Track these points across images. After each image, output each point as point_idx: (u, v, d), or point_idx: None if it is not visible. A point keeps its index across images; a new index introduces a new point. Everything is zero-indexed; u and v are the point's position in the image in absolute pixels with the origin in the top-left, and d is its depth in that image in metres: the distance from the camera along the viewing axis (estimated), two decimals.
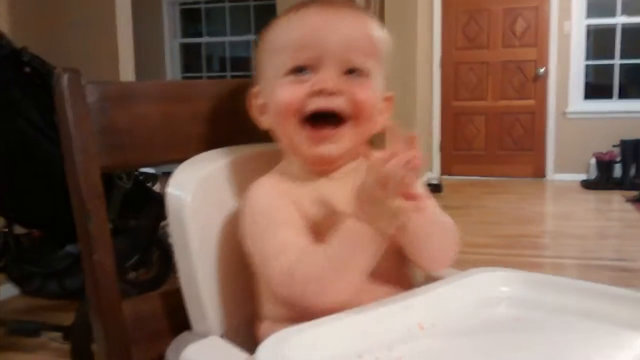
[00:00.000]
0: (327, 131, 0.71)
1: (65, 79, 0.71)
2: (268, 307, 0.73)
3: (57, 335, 2.03)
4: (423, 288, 0.72)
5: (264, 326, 0.73)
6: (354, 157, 0.75)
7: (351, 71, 0.71)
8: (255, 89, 0.78)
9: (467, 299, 0.71)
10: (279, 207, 0.70)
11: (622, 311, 0.67)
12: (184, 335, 0.75)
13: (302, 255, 0.66)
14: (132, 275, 2.61)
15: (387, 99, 0.78)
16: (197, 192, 0.74)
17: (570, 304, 0.70)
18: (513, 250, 3.32)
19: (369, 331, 0.62)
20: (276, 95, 0.72)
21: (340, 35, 0.71)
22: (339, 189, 0.73)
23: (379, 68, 0.74)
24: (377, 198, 0.61)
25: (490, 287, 0.74)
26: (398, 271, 0.75)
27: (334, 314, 0.63)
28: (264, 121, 0.77)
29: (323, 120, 0.71)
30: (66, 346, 1.95)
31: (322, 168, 0.74)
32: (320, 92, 0.70)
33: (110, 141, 0.75)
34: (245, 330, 0.75)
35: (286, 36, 0.73)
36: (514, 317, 0.68)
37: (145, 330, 0.78)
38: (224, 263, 0.75)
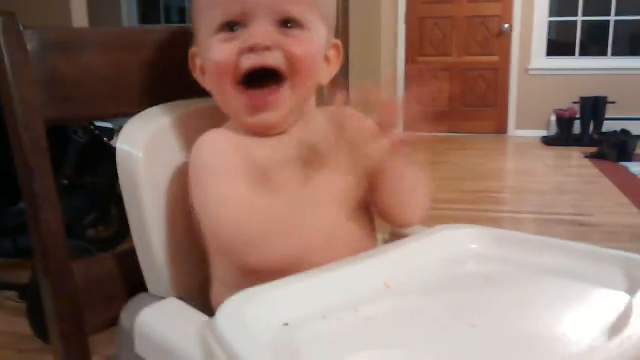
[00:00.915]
0: (264, 97, 0.66)
1: (3, 25, 0.65)
2: (217, 267, 0.69)
3: (13, 294, 1.99)
4: (389, 245, 0.70)
5: (216, 288, 0.70)
6: (299, 115, 0.71)
7: (286, 23, 0.66)
8: (193, 49, 0.73)
9: (434, 256, 0.70)
10: (223, 157, 0.66)
11: (588, 266, 0.67)
12: (140, 297, 0.72)
13: (245, 207, 0.61)
14: (90, 232, 2.56)
15: (335, 47, 0.73)
16: (148, 147, 0.69)
17: (536, 260, 0.69)
18: (475, 205, 3.36)
19: (333, 291, 0.60)
20: (209, 56, 0.67)
21: None
22: (289, 142, 0.69)
23: (319, 17, 0.68)
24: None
25: (457, 244, 0.73)
26: (362, 233, 0.72)
27: (283, 275, 0.60)
28: (206, 82, 0.72)
29: (260, 80, 0.66)
30: (22, 305, 1.90)
31: (265, 134, 0.70)
32: (252, 49, 0.65)
33: (54, 92, 0.69)
34: (202, 291, 0.72)
35: None
36: (481, 274, 0.67)
37: (98, 293, 0.74)
38: (178, 221, 0.71)
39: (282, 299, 0.57)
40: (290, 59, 0.66)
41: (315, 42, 0.68)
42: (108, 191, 2.39)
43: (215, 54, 0.66)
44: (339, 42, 0.74)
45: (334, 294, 0.60)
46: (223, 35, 0.66)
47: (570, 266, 0.67)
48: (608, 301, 0.60)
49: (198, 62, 0.72)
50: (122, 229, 2.58)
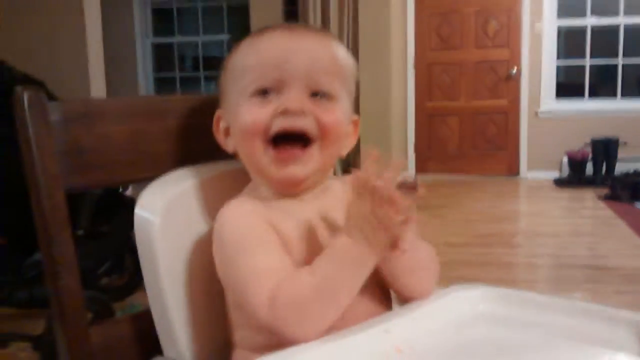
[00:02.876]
0: (293, 151, 0.69)
1: (25, 98, 0.68)
2: (241, 334, 0.70)
3: (26, 345, 1.99)
4: (400, 310, 0.70)
5: (237, 354, 0.71)
6: (322, 179, 0.74)
7: (317, 94, 0.70)
8: (219, 112, 0.76)
9: (445, 319, 0.70)
10: (255, 228, 0.67)
11: (601, 329, 0.66)
12: None
13: (285, 279, 0.63)
14: (104, 281, 2.57)
15: (354, 123, 0.77)
16: (165, 213, 0.71)
17: (548, 321, 0.69)
18: (488, 249, 3.34)
19: (347, 355, 0.61)
20: (240, 117, 0.70)
21: (305, 57, 0.69)
22: (311, 211, 0.71)
23: (345, 91, 0.73)
24: (372, 213, 0.60)
25: (468, 306, 0.73)
26: (378, 287, 0.73)
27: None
28: (229, 144, 0.75)
29: (288, 141, 0.69)
30: (36, 356, 1.90)
31: (290, 190, 0.72)
32: (285, 112, 0.68)
33: (74, 162, 0.72)
34: (219, 356, 0.73)
35: (251, 57, 0.71)
36: (493, 338, 0.67)
37: (113, 356, 0.75)
38: (196, 287, 0.73)
39: None
40: (320, 125, 0.69)
41: (342, 112, 0.72)
42: (122, 241, 2.41)
43: (247, 116, 0.70)
44: (357, 117, 0.78)
45: (350, 358, 0.60)
46: (256, 99, 0.70)
47: (581, 328, 0.67)
48: None
49: (222, 124, 0.75)
50: (135, 279, 2.59)
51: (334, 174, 0.79)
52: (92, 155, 0.74)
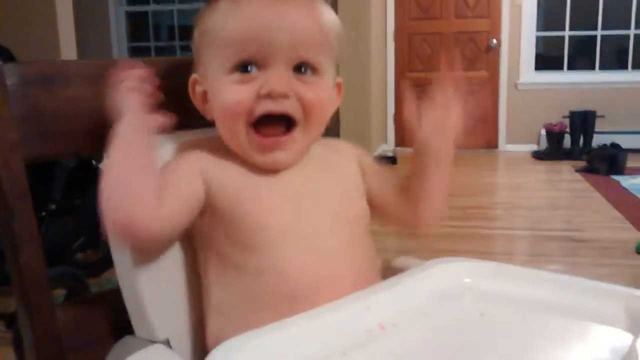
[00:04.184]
0: (277, 138, 0.67)
1: None
2: (215, 298, 0.67)
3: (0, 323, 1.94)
4: (383, 284, 0.68)
5: (211, 325, 0.67)
6: (303, 155, 0.71)
7: (300, 67, 0.67)
8: (195, 76, 0.72)
9: (429, 293, 0.67)
10: (182, 166, 0.68)
11: (589, 303, 0.64)
12: (126, 340, 0.69)
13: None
14: (79, 256, 2.52)
15: (337, 86, 0.74)
16: None
17: (534, 295, 0.67)
18: (467, 222, 3.35)
19: (326, 336, 0.57)
20: (221, 95, 0.67)
21: (289, 28, 0.65)
22: (292, 181, 0.70)
23: (330, 59, 0.70)
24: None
25: (453, 279, 0.70)
26: (364, 258, 0.72)
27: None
28: (207, 112, 0.71)
29: (272, 122, 0.66)
30: (8, 335, 1.86)
31: (273, 171, 0.70)
32: (269, 95, 0.65)
33: (34, 128, 0.67)
34: (193, 335, 0.69)
35: (230, 25, 0.66)
36: (478, 313, 0.65)
37: (83, 335, 0.72)
38: (167, 262, 0.69)
39: (272, 345, 0.55)
40: (304, 106, 0.67)
41: (327, 88, 0.70)
42: (96, 215, 2.36)
43: (229, 95, 0.66)
44: (340, 80, 0.75)
45: (327, 339, 0.57)
46: (237, 76, 0.66)
47: (569, 302, 0.64)
48: (611, 341, 0.58)
49: (199, 89, 0.71)
50: (110, 254, 2.54)
51: None
52: (54, 121, 0.69)
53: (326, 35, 0.69)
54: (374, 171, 0.78)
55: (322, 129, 0.71)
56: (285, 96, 0.65)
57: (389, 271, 0.77)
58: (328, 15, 0.70)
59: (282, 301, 0.63)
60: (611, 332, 0.60)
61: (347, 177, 0.75)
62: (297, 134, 0.67)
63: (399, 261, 0.80)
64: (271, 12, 0.65)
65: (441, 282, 0.69)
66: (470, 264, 0.72)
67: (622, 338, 0.58)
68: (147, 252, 0.67)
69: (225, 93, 0.66)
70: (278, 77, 0.65)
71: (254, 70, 0.66)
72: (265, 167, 0.69)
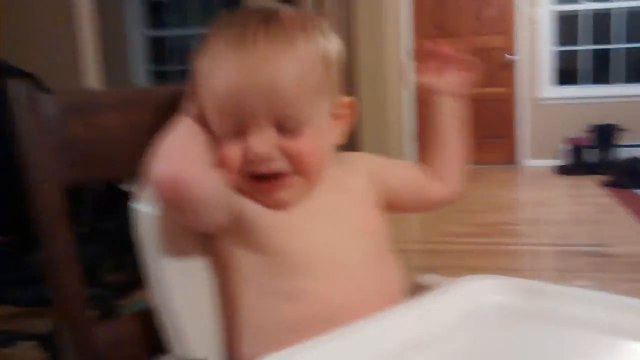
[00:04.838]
0: (273, 182, 0.67)
1: (19, 91, 0.65)
2: (247, 321, 0.69)
3: (34, 344, 1.97)
4: (412, 302, 0.68)
5: (246, 345, 0.69)
6: (308, 191, 0.71)
7: (285, 123, 0.66)
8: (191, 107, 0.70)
9: (458, 311, 0.68)
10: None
11: (615, 318, 0.64)
12: (163, 359, 0.71)
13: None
14: (108, 278, 2.56)
15: (348, 106, 0.74)
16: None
17: (562, 311, 0.67)
18: (491, 239, 3.33)
19: (356, 353, 0.59)
20: (219, 149, 0.68)
21: (261, 92, 0.64)
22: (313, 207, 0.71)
23: (318, 99, 0.68)
24: None
25: (481, 297, 0.71)
26: (389, 278, 0.74)
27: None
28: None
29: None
30: (43, 355, 1.89)
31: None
32: (253, 160, 0.66)
33: (72, 156, 0.69)
34: (228, 353, 0.71)
35: (209, 93, 0.67)
36: (506, 329, 0.65)
37: (119, 355, 0.73)
38: (199, 280, 0.71)
39: None
40: (294, 161, 0.67)
41: (317, 134, 0.68)
42: (125, 237, 2.39)
43: (224, 153, 0.67)
44: (352, 100, 0.74)
45: (359, 355, 0.58)
46: (228, 138, 0.67)
47: (600, 319, 0.65)
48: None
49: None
50: (139, 275, 2.57)
51: None
52: (90, 149, 0.71)
53: (305, 84, 0.66)
54: (391, 166, 0.81)
55: (321, 171, 0.71)
56: (269, 158, 0.66)
57: (415, 289, 0.78)
58: (311, 51, 0.67)
59: (315, 322, 0.64)
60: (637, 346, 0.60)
61: (362, 192, 0.76)
62: (292, 179, 0.68)
63: (426, 279, 0.81)
64: (242, 75, 0.64)
65: (470, 300, 0.70)
66: (499, 281, 0.73)
67: None
68: (181, 269, 0.69)
69: (221, 147, 0.67)
70: (260, 142, 0.65)
71: (244, 132, 0.66)
72: (271, 207, 0.69)
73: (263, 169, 0.66)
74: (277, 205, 0.69)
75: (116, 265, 2.49)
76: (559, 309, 0.67)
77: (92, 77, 3.05)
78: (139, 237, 0.69)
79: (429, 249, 3.13)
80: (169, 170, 0.62)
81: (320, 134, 0.69)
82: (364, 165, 0.78)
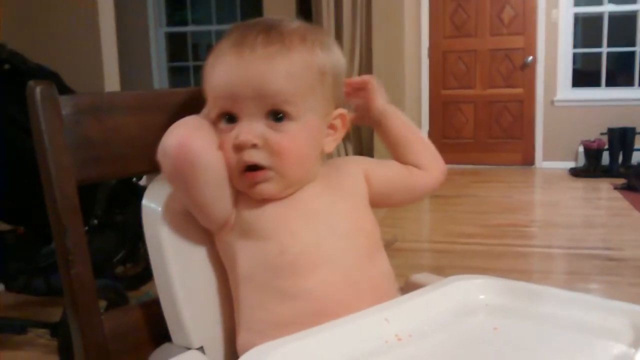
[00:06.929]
0: (257, 174, 0.71)
1: (38, 92, 0.70)
2: (246, 314, 0.73)
3: (45, 331, 2.03)
4: (401, 298, 0.72)
5: (242, 336, 0.73)
6: (303, 182, 0.76)
7: (276, 114, 0.71)
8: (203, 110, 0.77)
9: (445, 308, 0.72)
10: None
11: (596, 319, 0.68)
12: (164, 347, 0.75)
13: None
14: (119, 269, 2.62)
15: (340, 117, 0.78)
16: (172, 204, 0.73)
17: (548, 312, 0.71)
18: (501, 240, 3.34)
19: (346, 345, 0.63)
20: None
21: (251, 83, 0.69)
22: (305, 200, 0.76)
23: (308, 99, 0.72)
24: None
25: (468, 296, 0.74)
26: (383, 276, 0.77)
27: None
28: None
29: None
30: (54, 343, 1.95)
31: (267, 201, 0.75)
32: (237, 148, 0.70)
33: (86, 154, 0.74)
34: (226, 342, 0.75)
35: (210, 82, 0.73)
36: (492, 327, 0.69)
37: (125, 342, 0.78)
38: (203, 274, 0.75)
39: (297, 353, 0.60)
40: (273, 153, 0.71)
41: (303, 132, 0.72)
42: (136, 230, 2.45)
43: (220, 139, 0.72)
44: (345, 111, 0.79)
45: (347, 347, 0.62)
46: (223, 124, 0.72)
47: (577, 318, 0.68)
48: (613, 355, 0.62)
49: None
50: (149, 267, 2.62)
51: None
52: (103, 148, 0.76)
53: (296, 81, 0.71)
54: (378, 164, 0.86)
55: (302, 170, 0.74)
56: (253, 146, 0.70)
57: (408, 287, 0.81)
58: (304, 58, 0.72)
59: (311, 318, 0.67)
60: (615, 346, 0.63)
61: (355, 193, 0.80)
62: (267, 174, 0.71)
63: (419, 277, 0.85)
64: (238, 68, 0.70)
65: (457, 298, 0.74)
66: (485, 281, 0.76)
67: (627, 352, 0.61)
68: (185, 263, 0.73)
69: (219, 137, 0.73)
70: (247, 129, 0.70)
71: (234, 120, 0.72)
72: (255, 198, 0.73)
73: (246, 157, 0.71)
74: (259, 197, 0.73)
75: (128, 257, 2.55)
76: (537, 308, 0.71)
77: (113, 73, 3.12)
78: (145, 230, 0.74)
79: (439, 249, 3.14)
80: (178, 135, 0.69)
81: (307, 133, 0.73)
82: (355, 167, 0.83)
